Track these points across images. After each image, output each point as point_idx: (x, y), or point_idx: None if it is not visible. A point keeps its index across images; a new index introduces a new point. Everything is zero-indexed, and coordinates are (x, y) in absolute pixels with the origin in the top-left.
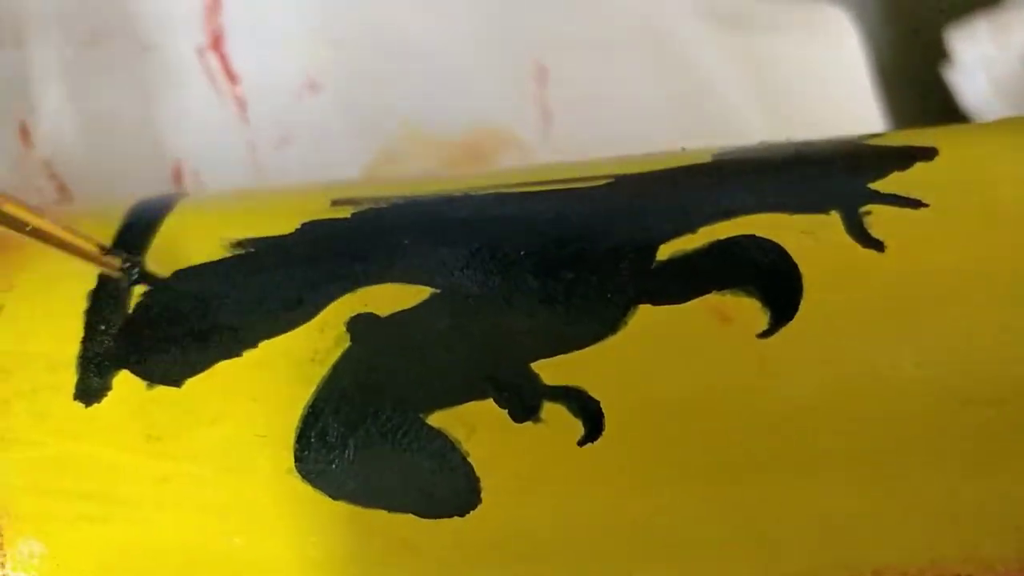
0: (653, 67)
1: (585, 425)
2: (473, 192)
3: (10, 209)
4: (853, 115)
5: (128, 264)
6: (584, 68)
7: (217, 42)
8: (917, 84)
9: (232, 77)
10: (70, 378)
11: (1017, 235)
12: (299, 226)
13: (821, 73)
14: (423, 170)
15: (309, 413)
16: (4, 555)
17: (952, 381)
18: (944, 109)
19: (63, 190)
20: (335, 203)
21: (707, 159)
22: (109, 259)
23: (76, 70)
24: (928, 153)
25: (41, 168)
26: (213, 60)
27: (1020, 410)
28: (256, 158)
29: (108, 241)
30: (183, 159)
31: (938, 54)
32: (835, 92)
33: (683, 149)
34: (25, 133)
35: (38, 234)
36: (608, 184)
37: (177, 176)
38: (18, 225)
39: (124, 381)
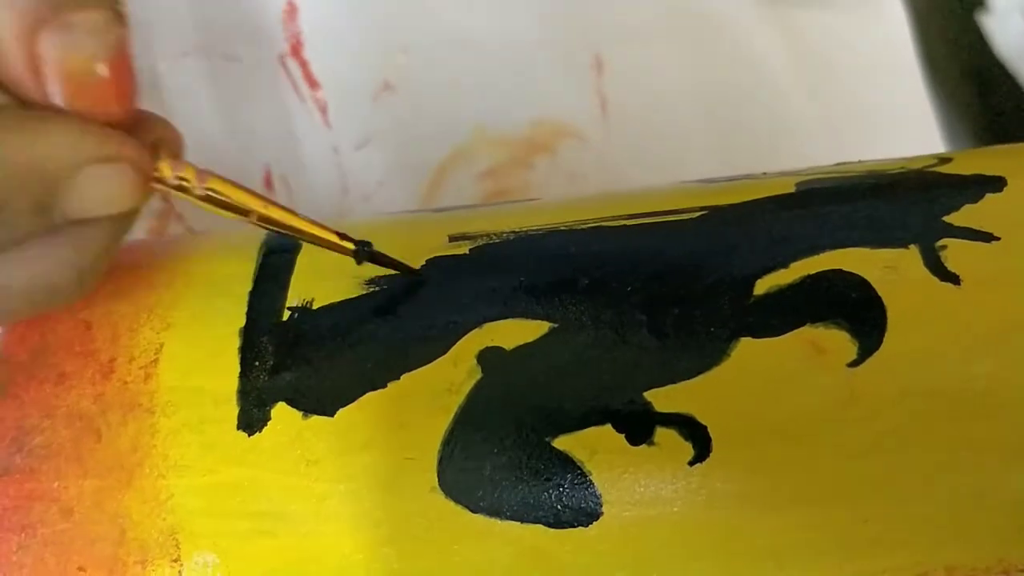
0: (703, 53)
1: (694, 448)
2: (576, 227)
3: (272, 212)
4: (899, 90)
5: (360, 246)
6: (638, 58)
7: (297, 49)
8: (951, 29)
9: (313, 83)
10: (232, 411)
11: None
12: (424, 263)
13: (868, 49)
14: (490, 167)
15: (448, 438)
16: (182, 566)
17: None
18: (978, 54)
19: (164, 198)
20: (452, 239)
21: (791, 189)
22: (345, 243)
23: (169, 83)
24: (997, 184)
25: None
26: (294, 67)
27: None
28: (339, 160)
29: (249, 282)
30: (271, 164)
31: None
32: (881, 66)
33: (765, 174)
34: None
35: (292, 229)
36: (701, 217)
37: (268, 181)
38: (278, 224)
39: (281, 412)
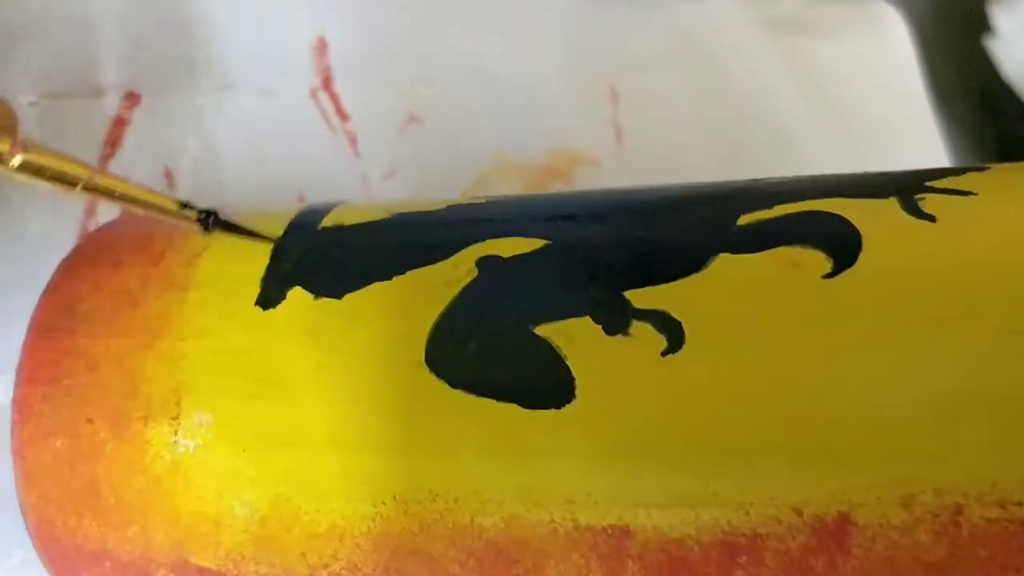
0: (714, 82)
1: (668, 340)
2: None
3: (101, 180)
4: (906, 116)
5: (203, 215)
6: (651, 88)
7: (327, 82)
8: (958, 54)
9: (343, 115)
10: (254, 291)
11: None
12: (443, 207)
13: (874, 74)
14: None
15: (440, 320)
16: (179, 424)
17: (996, 318)
18: (984, 79)
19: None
20: (468, 198)
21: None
22: (187, 212)
23: (208, 117)
24: (980, 168)
25: None
26: (325, 100)
27: None
28: (368, 189)
29: (292, 214)
30: (304, 193)
31: (979, 24)
32: (888, 92)
33: None
34: (169, 176)
35: (126, 199)
36: (692, 184)
37: None
38: (109, 193)
39: (296, 294)
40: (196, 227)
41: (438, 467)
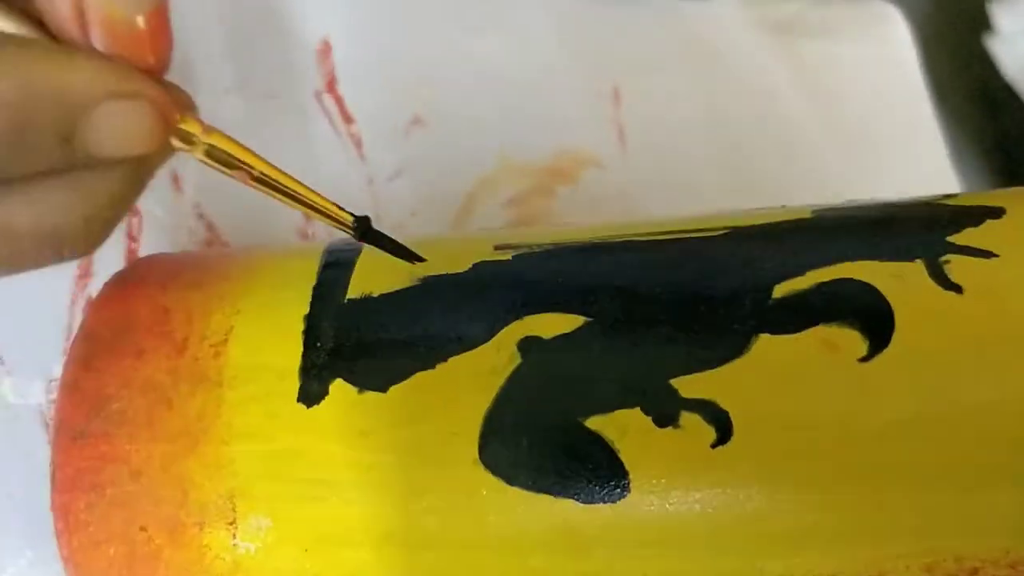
0: (716, 83)
1: (717, 431)
2: (609, 240)
3: (271, 172)
4: (907, 115)
5: (359, 220)
6: (654, 88)
7: (332, 85)
8: (958, 52)
9: (348, 118)
10: (293, 385)
11: None
12: (471, 266)
13: (875, 74)
14: (515, 196)
15: (490, 415)
16: (236, 528)
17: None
18: (985, 77)
19: (211, 228)
20: (497, 247)
21: (808, 214)
22: (343, 214)
23: (213, 120)
24: (996, 212)
25: (191, 210)
26: (330, 102)
27: None
28: (374, 191)
29: (314, 277)
30: None
31: (979, 23)
32: (889, 91)
33: (784, 207)
34: (176, 180)
35: (290, 195)
36: (725, 234)
37: None
38: (275, 187)
39: (339, 388)
40: (350, 234)
41: (500, 562)
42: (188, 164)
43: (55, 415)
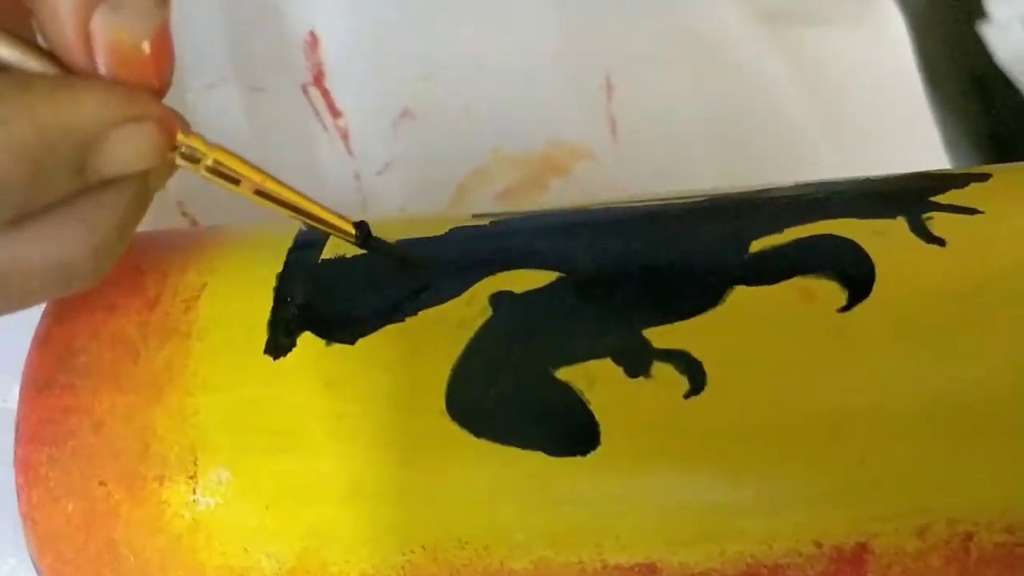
0: (708, 73)
1: (690, 381)
2: (587, 207)
3: (271, 186)
4: (900, 102)
5: (360, 227)
6: (646, 80)
7: (319, 78)
8: (951, 39)
9: (335, 111)
10: (261, 337)
11: None
12: (447, 230)
13: (869, 62)
14: (507, 188)
15: (458, 366)
16: (196, 482)
17: (1006, 351)
18: (977, 65)
19: (195, 224)
20: (475, 215)
21: (787, 185)
22: (344, 222)
23: (198, 114)
24: (982, 177)
25: (175, 207)
26: (317, 96)
27: None
28: (361, 186)
29: (290, 241)
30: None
31: (973, 10)
32: (883, 78)
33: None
34: None
35: (291, 207)
36: (704, 200)
37: None
38: (276, 200)
39: (306, 340)
40: (351, 242)
41: (466, 515)
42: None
43: (25, 368)
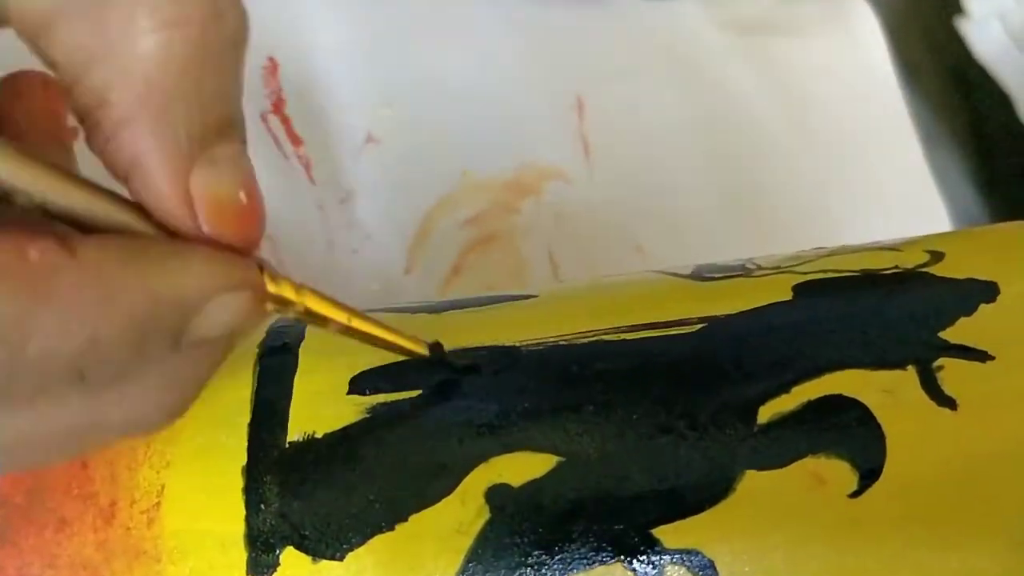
0: (681, 88)
1: None
2: (575, 341)
3: (358, 324)
4: (876, 104)
5: (436, 350)
6: (618, 97)
7: (279, 106)
8: (929, 37)
9: (295, 139)
10: (241, 556)
11: None
12: (422, 392)
13: (844, 67)
14: (476, 214)
15: None
16: None
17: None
18: (956, 60)
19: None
20: (452, 354)
21: (788, 294)
22: (420, 347)
23: None
24: (990, 293)
25: None
26: (276, 124)
27: None
28: (325, 216)
29: (247, 412)
30: None
31: (950, 7)
32: (858, 83)
33: (757, 267)
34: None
35: (380, 343)
36: (701, 331)
37: None
38: (365, 336)
39: (291, 556)
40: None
41: None
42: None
43: None
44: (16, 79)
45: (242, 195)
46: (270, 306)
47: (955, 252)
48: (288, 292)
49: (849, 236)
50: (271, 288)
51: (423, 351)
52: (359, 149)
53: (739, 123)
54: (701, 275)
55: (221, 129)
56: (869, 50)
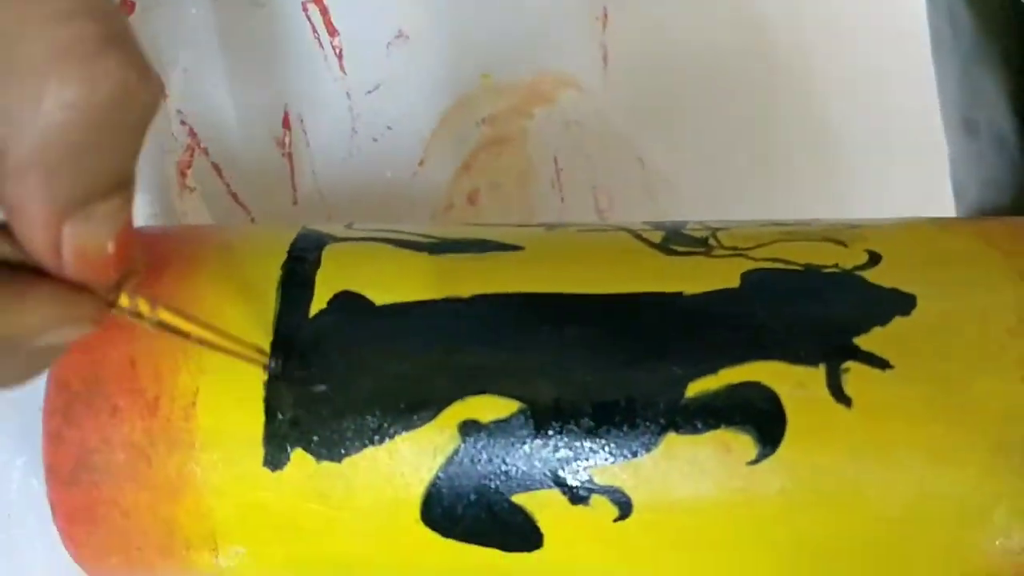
0: (705, 11)
1: (619, 511)
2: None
3: (167, 317)
4: (901, 43)
5: (273, 364)
6: (643, 13)
7: None
8: None
9: (332, 30)
10: (259, 452)
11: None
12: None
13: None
14: (491, 114)
15: (431, 486)
16: (217, 553)
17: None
18: None
19: (193, 135)
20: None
21: (735, 282)
22: (261, 357)
23: (200, 28)
24: (907, 306)
25: (174, 116)
26: (315, 13)
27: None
28: (351, 104)
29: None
30: (290, 104)
31: None
32: (885, 21)
33: (717, 238)
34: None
35: (202, 342)
36: (655, 306)
37: (285, 121)
38: (180, 333)
39: (299, 456)
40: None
41: None
42: (174, 72)
43: (44, 458)
44: None
45: (110, 246)
46: (123, 315)
47: (893, 257)
48: (143, 307)
49: (860, 175)
50: (125, 303)
51: (264, 362)
52: (389, 43)
53: (756, 50)
54: (668, 245)
55: (107, 190)
56: None
